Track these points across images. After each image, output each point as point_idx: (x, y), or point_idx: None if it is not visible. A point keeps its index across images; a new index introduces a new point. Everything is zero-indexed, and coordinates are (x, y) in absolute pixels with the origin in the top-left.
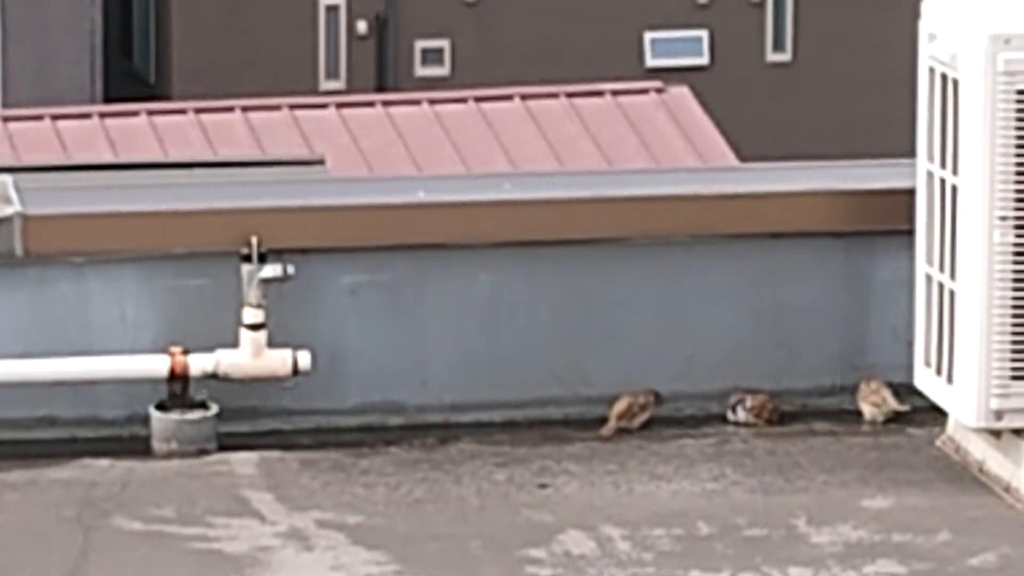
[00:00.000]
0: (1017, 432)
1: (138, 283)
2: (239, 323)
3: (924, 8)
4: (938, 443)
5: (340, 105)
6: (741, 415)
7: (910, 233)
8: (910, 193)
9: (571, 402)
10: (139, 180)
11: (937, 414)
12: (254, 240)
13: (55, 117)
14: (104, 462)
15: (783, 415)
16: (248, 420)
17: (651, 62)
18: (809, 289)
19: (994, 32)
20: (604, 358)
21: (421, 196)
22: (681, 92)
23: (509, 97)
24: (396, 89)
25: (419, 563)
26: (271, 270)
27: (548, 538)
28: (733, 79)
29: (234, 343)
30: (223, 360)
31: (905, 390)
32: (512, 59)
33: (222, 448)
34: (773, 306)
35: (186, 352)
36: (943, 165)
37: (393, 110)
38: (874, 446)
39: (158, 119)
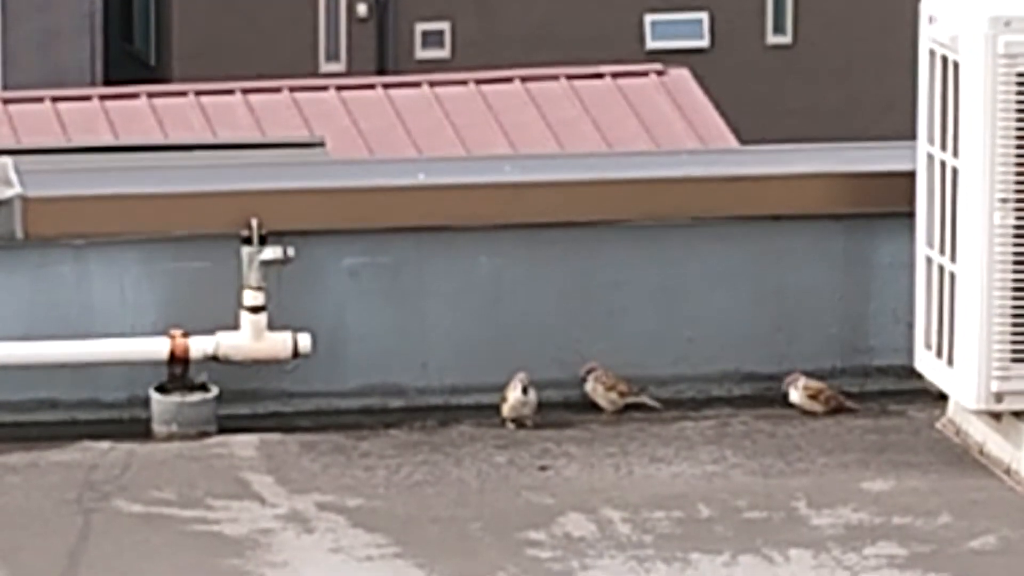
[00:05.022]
0: (1017, 414)
1: (138, 265)
2: (239, 305)
3: None
4: (938, 426)
5: (340, 87)
6: (795, 396)
7: (910, 215)
8: (910, 175)
9: (571, 385)
10: (139, 162)
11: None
12: (254, 222)
13: (55, 99)
14: (104, 444)
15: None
16: (248, 402)
17: (651, 44)
18: (809, 271)
19: (994, 14)
20: (604, 341)
21: (421, 178)
22: (681, 74)
23: (509, 79)
24: (396, 71)
25: (419, 545)
26: (271, 252)
27: (548, 520)
28: (733, 61)
29: (234, 325)
30: (223, 342)
31: (906, 372)
32: (513, 42)
33: (222, 430)
34: (773, 288)
35: (186, 334)
36: (943, 147)
37: (393, 92)
38: (874, 428)
39: (158, 101)
